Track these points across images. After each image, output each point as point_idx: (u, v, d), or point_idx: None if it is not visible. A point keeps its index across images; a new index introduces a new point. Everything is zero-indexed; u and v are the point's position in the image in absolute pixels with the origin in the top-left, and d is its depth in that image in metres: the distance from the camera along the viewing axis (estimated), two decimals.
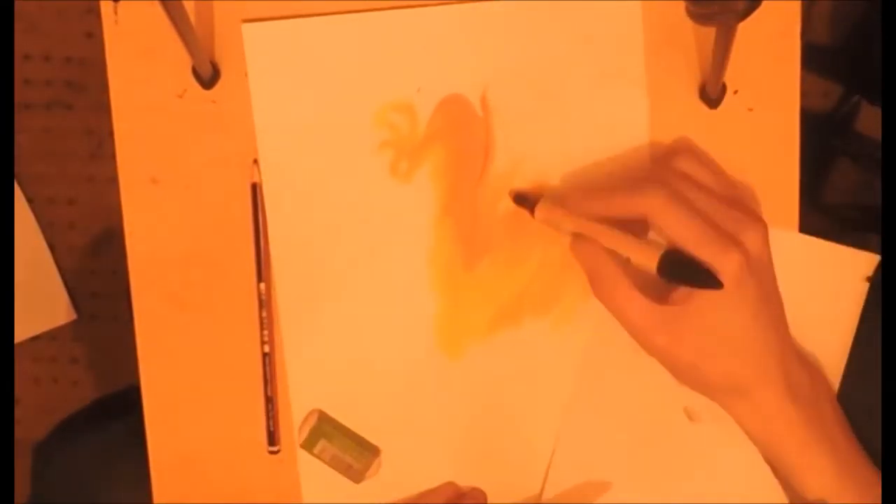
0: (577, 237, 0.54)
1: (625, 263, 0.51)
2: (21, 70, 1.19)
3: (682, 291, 0.51)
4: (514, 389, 0.58)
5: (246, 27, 0.55)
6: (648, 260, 0.49)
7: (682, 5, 0.45)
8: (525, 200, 0.56)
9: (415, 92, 0.56)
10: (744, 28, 0.47)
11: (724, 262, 0.48)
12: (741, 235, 0.49)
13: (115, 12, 0.55)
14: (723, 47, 0.50)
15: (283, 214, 0.56)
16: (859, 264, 0.57)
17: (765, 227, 0.50)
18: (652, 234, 0.51)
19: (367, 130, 0.56)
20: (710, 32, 0.51)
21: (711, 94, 0.56)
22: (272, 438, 0.57)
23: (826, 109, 1.13)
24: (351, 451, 0.57)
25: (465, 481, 0.59)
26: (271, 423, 0.57)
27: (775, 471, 0.54)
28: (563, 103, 0.56)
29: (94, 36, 1.19)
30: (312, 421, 0.57)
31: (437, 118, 0.56)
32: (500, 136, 0.56)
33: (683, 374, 0.52)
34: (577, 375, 0.58)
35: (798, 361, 0.53)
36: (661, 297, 0.51)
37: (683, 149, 0.55)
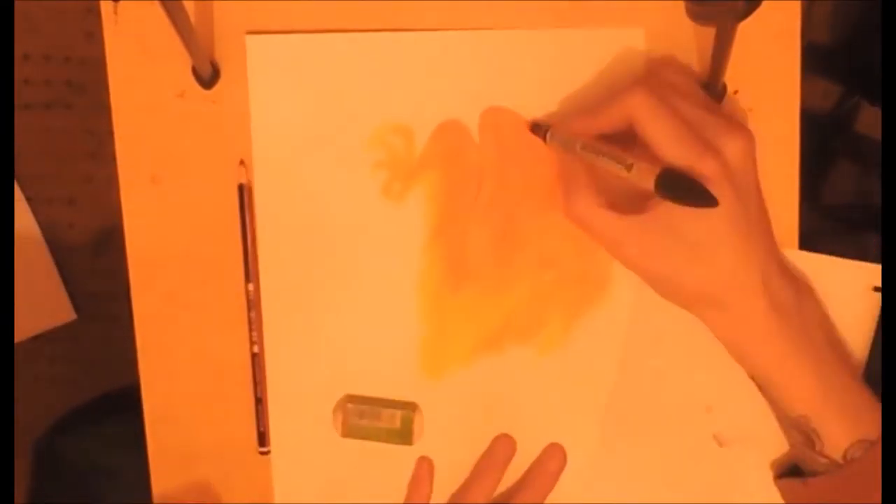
0: (560, 157, 0.54)
1: (601, 179, 0.51)
2: (21, 70, 1.19)
3: (654, 201, 0.50)
4: (495, 414, 0.58)
5: (250, 39, 0.55)
6: (647, 174, 0.48)
7: (682, 5, 0.45)
8: (538, 128, 0.55)
9: (413, 114, 0.56)
10: (744, 28, 0.47)
11: (700, 167, 0.48)
12: (721, 143, 0.49)
13: (115, 12, 0.55)
14: (723, 47, 0.50)
15: (275, 227, 0.56)
16: (864, 275, 0.56)
17: (749, 137, 0.50)
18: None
19: (363, 149, 0.56)
20: (710, 32, 0.51)
21: (711, 95, 0.56)
22: (263, 439, 0.57)
23: (826, 109, 1.13)
24: (389, 417, 0.57)
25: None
26: (261, 424, 0.57)
27: (759, 387, 0.54)
28: None
29: (94, 36, 1.19)
30: (342, 409, 0.57)
31: (433, 142, 0.56)
32: (494, 163, 0.56)
33: (659, 286, 0.52)
34: (607, 403, 0.58)
35: (784, 276, 0.52)
36: (634, 210, 0.51)
37: (670, 61, 0.55)
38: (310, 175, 0.56)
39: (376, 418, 0.57)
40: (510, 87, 0.56)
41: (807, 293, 0.53)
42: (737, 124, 0.50)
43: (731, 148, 0.49)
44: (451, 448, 0.58)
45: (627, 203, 0.51)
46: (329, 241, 0.57)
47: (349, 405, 0.57)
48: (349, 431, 0.57)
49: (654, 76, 0.53)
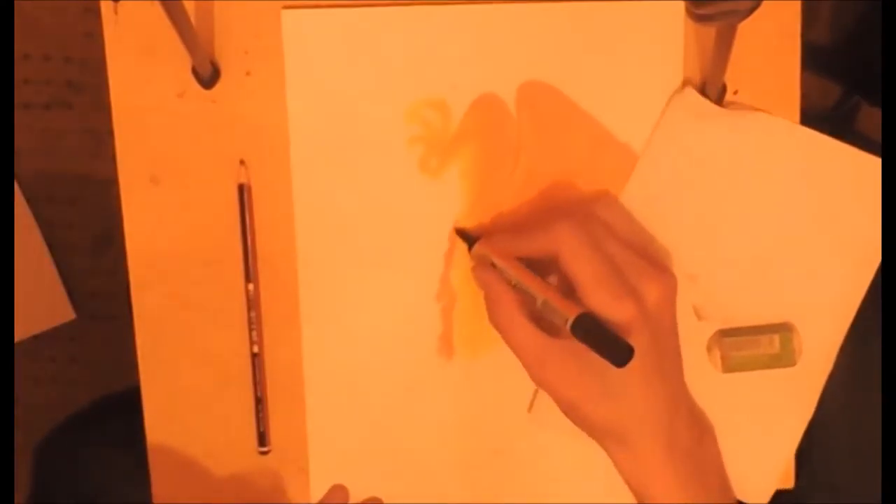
0: (478, 264, 0.54)
1: (524, 295, 0.51)
2: (21, 70, 1.19)
3: None
4: (528, 392, 0.58)
5: (285, 13, 0.55)
6: (563, 312, 0.48)
7: (682, 5, 0.45)
8: (465, 237, 0.56)
9: (449, 89, 0.55)
10: (744, 28, 0.47)
11: (618, 312, 0.48)
12: (642, 285, 0.50)
13: (115, 12, 0.55)
14: (723, 47, 0.50)
15: (310, 203, 0.56)
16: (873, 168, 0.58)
17: (671, 282, 0.51)
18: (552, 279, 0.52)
19: (399, 124, 0.56)
20: (710, 32, 0.51)
21: (711, 95, 0.56)
22: (262, 439, 0.57)
23: (826, 109, 1.13)
24: (768, 343, 0.56)
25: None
26: (261, 424, 0.57)
27: None
28: (599, 105, 0.56)
29: (94, 36, 1.18)
30: (718, 345, 0.56)
31: (470, 117, 0.56)
32: (532, 138, 0.56)
33: (566, 410, 0.52)
34: None
35: (690, 418, 0.53)
36: (554, 330, 0.50)
37: (605, 196, 0.56)
38: (346, 150, 0.56)
39: (755, 346, 0.56)
40: (548, 60, 0.55)
41: (709, 436, 0.55)
42: (660, 268, 0.51)
43: (652, 292, 0.50)
44: (484, 426, 0.58)
45: (545, 319, 0.51)
46: (365, 216, 0.56)
47: (725, 339, 0.56)
48: (731, 366, 0.56)
49: (586, 209, 0.53)
